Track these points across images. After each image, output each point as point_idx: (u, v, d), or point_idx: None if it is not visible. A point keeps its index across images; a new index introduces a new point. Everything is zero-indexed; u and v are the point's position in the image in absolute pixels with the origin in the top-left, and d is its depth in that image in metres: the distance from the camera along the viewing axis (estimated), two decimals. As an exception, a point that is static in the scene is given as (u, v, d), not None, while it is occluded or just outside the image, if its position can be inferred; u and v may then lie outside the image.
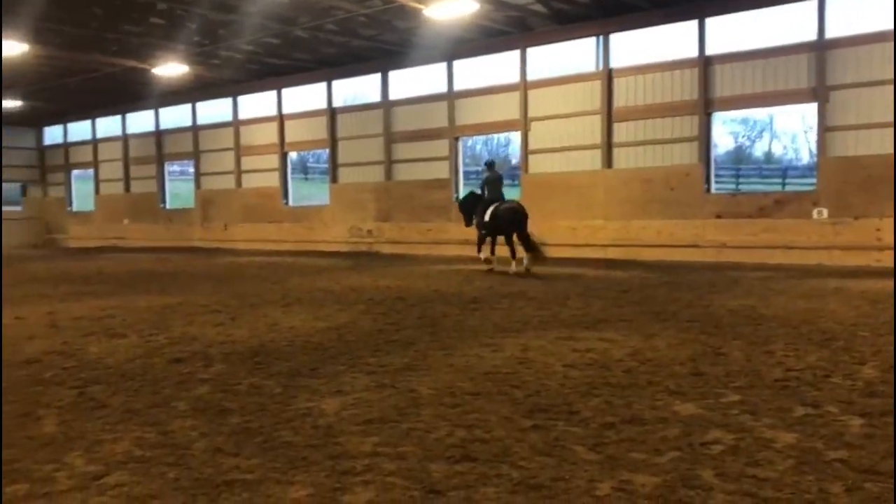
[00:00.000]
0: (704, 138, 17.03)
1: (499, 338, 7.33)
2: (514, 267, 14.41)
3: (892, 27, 14.66)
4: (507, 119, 19.88)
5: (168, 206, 29.54)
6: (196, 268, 17.84)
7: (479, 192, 15.62)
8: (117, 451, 4.10)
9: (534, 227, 19.00)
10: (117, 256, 23.35)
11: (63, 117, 32.68)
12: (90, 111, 31.21)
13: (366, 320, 8.69)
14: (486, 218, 14.80)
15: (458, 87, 20.72)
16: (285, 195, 25.16)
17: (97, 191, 31.93)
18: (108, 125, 31.28)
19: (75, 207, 33.68)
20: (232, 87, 25.87)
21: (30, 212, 34.53)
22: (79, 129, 32.85)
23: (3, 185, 35.17)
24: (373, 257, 20.29)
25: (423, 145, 21.49)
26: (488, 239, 15.14)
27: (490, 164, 15.73)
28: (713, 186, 17.28)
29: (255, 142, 25.77)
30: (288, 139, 24.94)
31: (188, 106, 27.88)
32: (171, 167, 30.49)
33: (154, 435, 4.40)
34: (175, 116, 28.68)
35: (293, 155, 26.20)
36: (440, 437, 4.22)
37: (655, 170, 17.56)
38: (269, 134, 25.35)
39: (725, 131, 37.05)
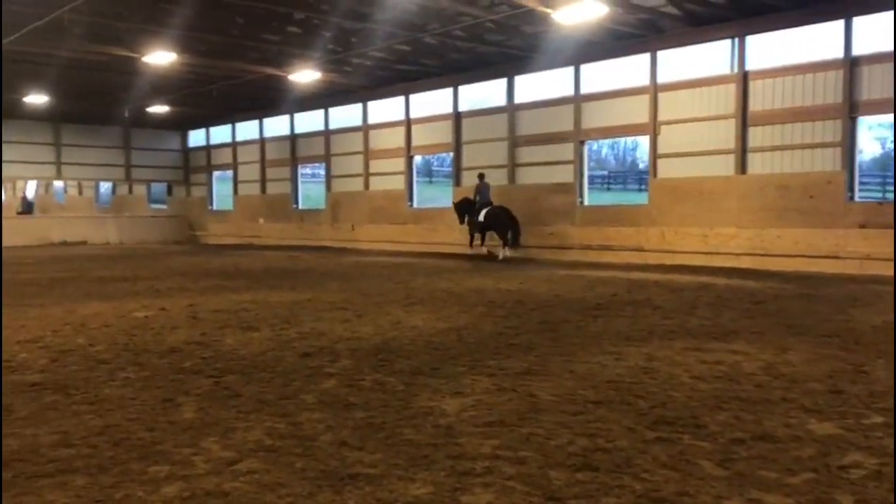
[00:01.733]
0: (848, 144, 16.03)
1: (622, 346, 7.18)
2: (504, 252, 19.92)
3: None
4: (636, 122, 19.43)
5: (300, 207, 30.69)
6: (325, 266, 18.43)
7: (470, 197, 21.14)
8: (249, 440, 4.30)
9: (662, 233, 18.61)
10: (252, 253, 24.46)
11: (206, 121, 34.61)
12: (231, 116, 32.87)
13: (486, 322, 8.73)
14: (481, 218, 20.24)
15: (584, 90, 20.45)
16: (410, 198, 25.63)
17: (235, 191, 33.59)
18: (247, 129, 32.85)
19: (215, 207, 35.55)
20: (362, 92, 26.57)
21: (174, 210, 36.73)
22: (220, 133, 34.69)
23: (153, 185, 37.73)
24: (494, 260, 20.34)
25: (547, 149, 21.35)
26: (477, 234, 20.72)
27: (481, 176, 21.35)
28: (857, 195, 16.24)
29: (383, 145, 26.37)
30: (414, 143, 25.38)
31: (321, 111, 28.87)
32: (304, 170, 31.64)
33: (283, 425, 4.57)
34: (308, 121, 29.77)
35: (418, 158, 26.64)
36: (561, 445, 4.17)
37: (793, 176, 16.69)
38: (396, 138, 25.89)
39: (872, 136, 34.79)
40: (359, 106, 27.22)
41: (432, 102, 24.77)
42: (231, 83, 24.81)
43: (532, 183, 21.69)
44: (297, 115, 30.13)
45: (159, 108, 29.68)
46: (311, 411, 4.89)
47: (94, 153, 34.40)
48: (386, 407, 4.98)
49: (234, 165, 33.43)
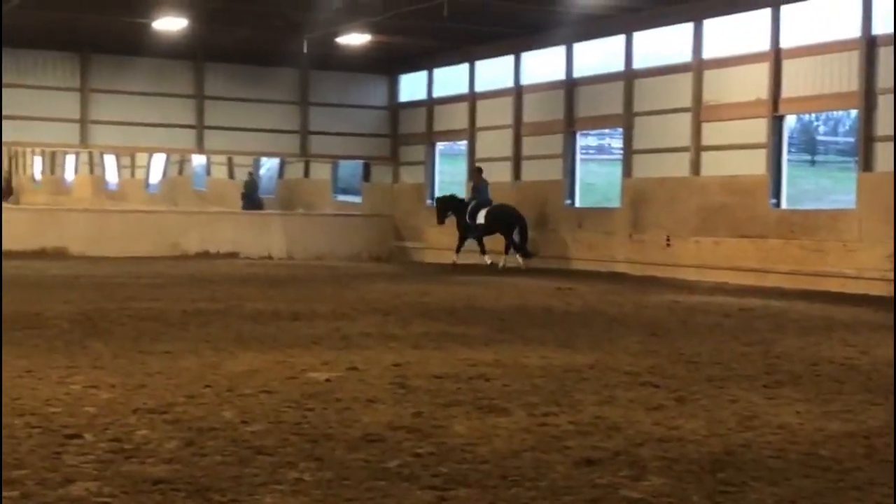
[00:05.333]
0: None
1: None
2: (502, 262, 28.86)
3: None
4: None
5: (577, 204, 31.04)
6: (617, 308, 18.45)
7: (458, 195, 31.01)
8: None
9: None
10: (496, 281, 25.13)
11: (427, 59, 36.05)
12: (468, 49, 33.94)
13: (921, 425, 8.33)
14: (481, 220, 28.94)
15: None
16: (775, 190, 25.01)
17: (470, 176, 34.55)
18: (493, 71, 33.87)
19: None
20: (695, 4, 26.42)
21: (373, 205, 38.43)
22: (448, 78, 36.00)
23: (341, 163, 40.01)
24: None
25: None
26: (463, 241, 30.04)
27: (479, 171, 30.90)
28: None
29: (728, 96, 25.97)
30: (786, 92, 24.72)
31: (619, 38, 29.07)
32: (585, 138, 31.91)
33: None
34: (596, 55, 30.05)
35: (791, 120, 25.93)
36: None
37: None
38: (751, 82, 25.36)
39: None
40: (685, 28, 27.06)
41: (821, 19, 24.08)
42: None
43: None
44: (579, 47, 30.56)
45: (355, 39, 31.30)
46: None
47: (254, 112, 36.57)
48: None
49: (471, 132, 34.53)
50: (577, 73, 30.63)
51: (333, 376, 10.18)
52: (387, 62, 36.84)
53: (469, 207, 29.70)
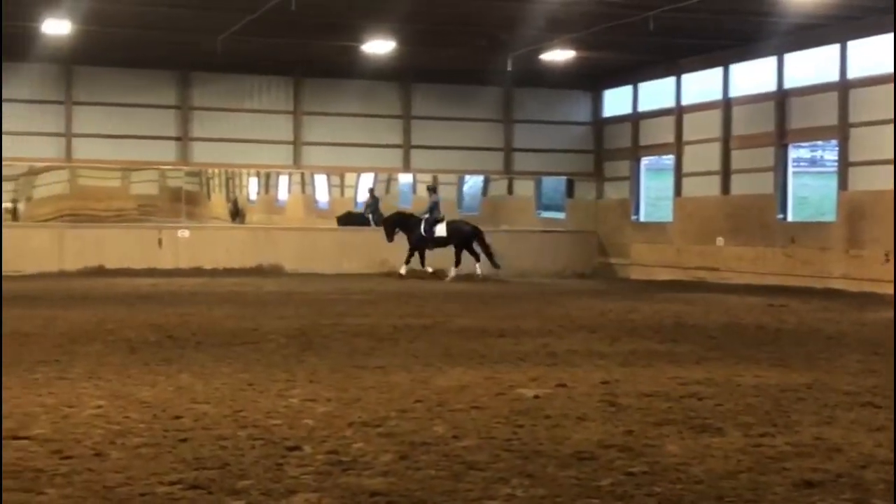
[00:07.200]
0: None
1: None
2: (452, 273, 30.79)
3: None
4: None
5: (790, 218, 30.40)
6: (835, 326, 18.02)
7: (404, 212, 34.02)
8: None
9: None
10: (705, 298, 24.76)
11: (632, 74, 35.80)
12: (673, 63, 33.62)
13: None
14: (443, 233, 31.03)
15: None
16: None
17: (678, 191, 34.31)
18: (700, 84, 33.40)
19: (643, 216, 36.62)
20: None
21: (576, 222, 38.33)
22: (654, 92, 35.66)
23: (544, 179, 40.15)
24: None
25: None
26: (416, 252, 31.45)
27: (433, 189, 34.22)
28: None
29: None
30: None
31: (833, 47, 28.37)
32: (797, 151, 31.19)
33: None
34: (808, 65, 29.30)
35: None
36: None
37: None
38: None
39: None
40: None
41: None
42: (678, 7, 25.40)
43: None
44: (790, 57, 29.96)
45: (559, 55, 31.40)
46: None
47: (459, 130, 37.06)
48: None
49: (678, 147, 34.15)
50: (788, 84, 30.06)
51: (542, 393, 10.26)
52: (591, 77, 36.76)
53: (423, 222, 31.41)
